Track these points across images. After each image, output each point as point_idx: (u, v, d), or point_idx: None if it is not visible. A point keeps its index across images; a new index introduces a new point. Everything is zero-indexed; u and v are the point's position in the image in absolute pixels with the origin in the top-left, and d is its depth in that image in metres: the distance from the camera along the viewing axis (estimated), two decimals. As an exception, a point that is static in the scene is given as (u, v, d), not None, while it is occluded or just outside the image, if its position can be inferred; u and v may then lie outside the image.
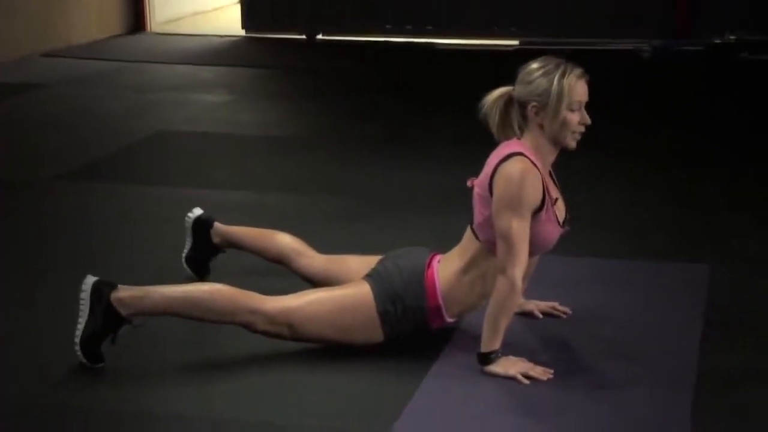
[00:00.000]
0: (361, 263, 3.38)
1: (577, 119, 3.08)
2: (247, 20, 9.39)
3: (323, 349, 3.20)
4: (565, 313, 3.47)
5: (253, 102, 7.04)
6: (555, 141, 3.11)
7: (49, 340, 3.30)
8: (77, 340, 3.09)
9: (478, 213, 3.14)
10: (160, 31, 9.59)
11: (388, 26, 9.01)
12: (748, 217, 4.53)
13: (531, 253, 3.10)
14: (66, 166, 5.32)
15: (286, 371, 3.13)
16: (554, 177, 3.23)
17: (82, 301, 3.10)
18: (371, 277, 3.22)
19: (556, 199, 3.15)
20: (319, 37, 9.18)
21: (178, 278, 3.67)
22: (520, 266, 3.01)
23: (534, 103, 3.06)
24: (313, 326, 3.16)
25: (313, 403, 2.94)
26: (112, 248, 4.16)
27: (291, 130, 6.29)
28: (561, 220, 3.17)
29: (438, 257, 3.24)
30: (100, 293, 3.10)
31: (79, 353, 3.09)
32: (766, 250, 4.12)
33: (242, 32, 9.39)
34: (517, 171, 3.02)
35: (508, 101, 3.14)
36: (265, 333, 3.17)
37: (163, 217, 4.45)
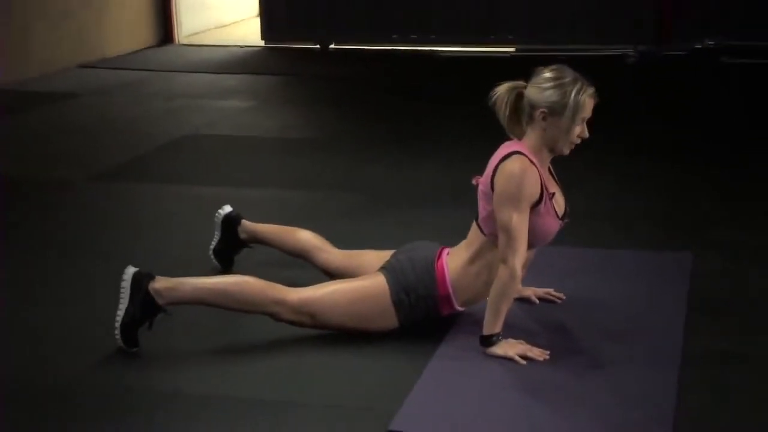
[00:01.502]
0: (376, 257, 3.38)
1: (578, 132, 3.08)
2: (266, 32, 9.40)
3: (337, 335, 3.20)
4: (559, 298, 3.47)
5: (272, 107, 7.04)
6: (552, 147, 3.10)
7: (84, 327, 3.31)
8: (117, 325, 3.10)
9: (482, 208, 3.13)
10: (187, 43, 9.61)
11: (394, 36, 9.02)
12: (730, 208, 4.53)
13: (532, 245, 3.10)
14: (99, 168, 5.32)
15: (303, 355, 3.13)
16: (553, 173, 3.22)
17: (122, 290, 3.11)
18: (386, 269, 3.22)
19: (553, 194, 3.14)
20: (332, 46, 9.18)
21: (205, 270, 3.67)
22: (519, 256, 3.01)
23: (543, 109, 3.04)
24: (333, 315, 3.17)
25: (329, 383, 2.94)
26: (141, 242, 4.16)
27: (307, 132, 6.29)
28: (560, 213, 3.16)
29: (447, 250, 3.24)
30: (140, 283, 3.11)
31: (117, 337, 3.10)
32: (747, 239, 4.10)
33: (261, 43, 9.40)
34: (517, 168, 3.01)
35: (519, 95, 3.11)
36: (289, 322, 3.18)
37: (188, 214, 4.46)
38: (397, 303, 3.16)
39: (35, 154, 5.68)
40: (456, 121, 6.16)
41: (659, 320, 3.33)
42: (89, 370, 3.03)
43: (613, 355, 3.08)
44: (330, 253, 3.56)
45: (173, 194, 4.85)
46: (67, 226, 4.43)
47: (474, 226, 3.20)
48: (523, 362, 3.00)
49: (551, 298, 3.47)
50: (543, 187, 3.06)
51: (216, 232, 3.77)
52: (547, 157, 3.15)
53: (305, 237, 3.63)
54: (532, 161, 3.04)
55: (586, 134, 3.11)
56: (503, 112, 3.13)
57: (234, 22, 10.76)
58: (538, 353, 3.03)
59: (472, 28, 8.82)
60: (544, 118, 3.06)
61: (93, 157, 5.54)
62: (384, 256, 3.33)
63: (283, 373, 3.01)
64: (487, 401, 2.82)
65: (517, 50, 8.62)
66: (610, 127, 5.74)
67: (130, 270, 3.15)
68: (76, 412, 2.80)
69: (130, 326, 3.10)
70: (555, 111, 3.03)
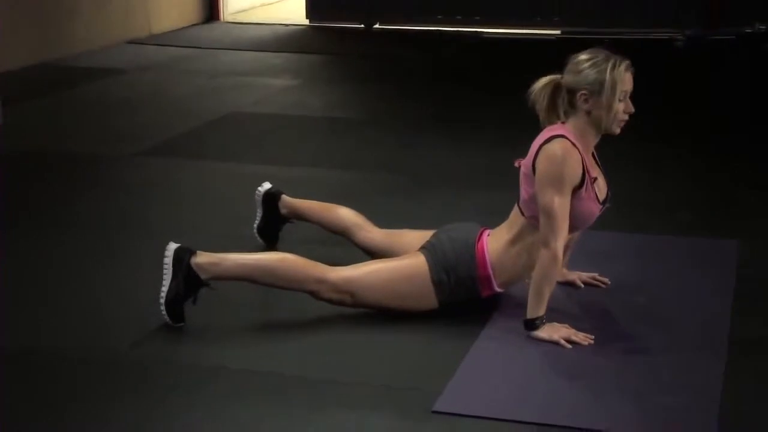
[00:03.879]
0: (416, 237, 3.37)
1: (623, 108, 3.05)
2: (311, 10, 9.40)
3: (378, 315, 3.20)
4: (604, 283, 3.45)
5: (316, 86, 7.04)
6: (600, 126, 3.07)
7: (129, 301, 3.34)
8: (162, 301, 3.11)
9: (524, 191, 3.12)
10: (232, 21, 9.63)
11: (439, 16, 8.98)
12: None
13: (573, 228, 3.07)
14: (146, 143, 5.36)
15: (346, 333, 3.13)
16: (596, 158, 3.19)
17: (165, 266, 3.12)
18: (426, 249, 3.21)
19: (596, 178, 3.11)
20: (376, 26, 9.16)
21: (249, 246, 3.69)
22: (561, 239, 2.99)
23: (583, 92, 3.02)
24: (373, 294, 3.16)
25: (372, 363, 2.94)
26: (187, 217, 4.19)
27: (351, 111, 6.29)
28: (601, 198, 3.13)
29: (487, 231, 3.23)
30: (181, 259, 3.12)
31: (163, 313, 3.12)
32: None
33: (306, 21, 9.40)
34: (559, 151, 3.00)
35: (556, 88, 3.10)
36: (329, 300, 3.18)
37: (233, 190, 4.47)
38: (437, 283, 3.15)
39: (84, 130, 5.73)
40: (498, 104, 6.12)
41: (705, 307, 3.29)
42: (134, 345, 3.05)
43: (658, 341, 3.05)
44: (370, 232, 3.55)
45: (218, 171, 4.87)
46: (115, 201, 4.46)
47: (515, 207, 3.18)
48: (568, 346, 2.98)
49: (596, 282, 3.44)
50: (585, 171, 3.04)
51: (258, 210, 3.77)
52: (593, 140, 3.12)
53: (346, 214, 3.63)
54: (574, 144, 3.03)
55: (632, 109, 3.07)
56: (541, 105, 3.12)
57: (279, 1, 10.76)
58: (582, 338, 3.01)
59: (517, 9, 8.76)
60: (586, 100, 3.03)
61: (139, 133, 5.58)
62: (424, 236, 3.32)
63: (326, 351, 3.02)
64: (530, 384, 2.81)
65: (562, 33, 8.55)
66: (658, 115, 5.70)
67: (172, 246, 3.15)
68: (120, 386, 2.82)
69: (175, 302, 3.11)
70: (594, 90, 3.01)
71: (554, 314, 3.10)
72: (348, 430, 2.58)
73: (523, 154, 3.13)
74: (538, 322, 3.03)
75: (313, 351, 3.02)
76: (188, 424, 2.62)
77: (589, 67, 3.02)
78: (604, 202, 3.15)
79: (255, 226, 3.78)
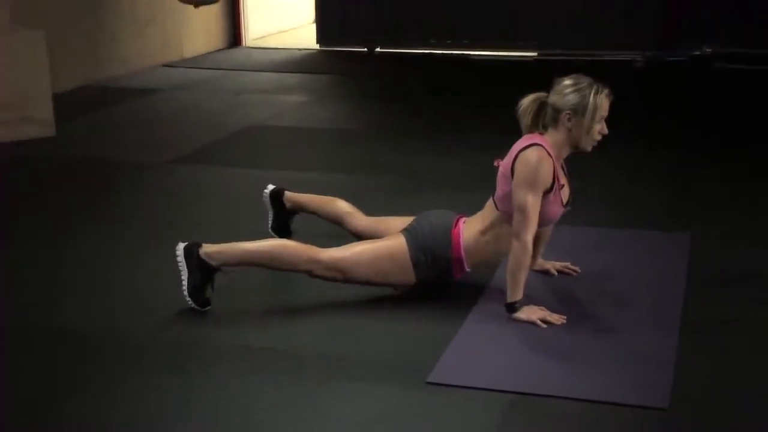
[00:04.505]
0: (398, 223, 3.36)
1: (599, 129, 3.05)
2: (321, 37, 9.37)
3: (378, 301, 3.19)
4: (575, 271, 3.44)
5: (325, 102, 7.02)
6: (576, 144, 3.08)
7: (162, 290, 3.31)
8: (186, 294, 3.10)
9: (500, 188, 3.11)
10: (253, 46, 9.60)
11: (432, 41, 8.96)
12: (726, 195, 4.45)
13: (539, 225, 3.08)
14: (179, 152, 5.34)
15: (351, 317, 3.12)
16: (564, 168, 3.18)
17: (179, 264, 3.11)
18: (407, 231, 3.19)
19: (563, 185, 3.12)
20: (378, 49, 9.14)
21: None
22: (531, 232, 3.00)
23: (567, 112, 3.02)
24: (360, 271, 3.14)
25: (374, 342, 2.93)
26: (214, 216, 4.17)
27: (355, 124, 6.27)
28: (564, 202, 3.14)
29: (463, 219, 3.22)
30: (191, 253, 3.10)
31: (190, 303, 3.10)
32: (741, 222, 4.04)
33: (316, 46, 9.37)
34: (535, 157, 2.99)
35: (541, 104, 3.09)
36: (323, 278, 3.16)
37: (253, 192, 4.44)
38: (416, 262, 3.13)
39: (126, 140, 5.72)
40: (483, 116, 6.11)
41: (661, 291, 3.29)
42: (165, 327, 3.04)
43: (621, 320, 3.05)
44: (360, 220, 3.53)
45: (240, 175, 4.86)
46: (152, 202, 4.45)
47: (490, 201, 3.18)
48: (544, 326, 2.97)
49: (568, 271, 3.43)
50: (555, 178, 3.04)
51: (269, 211, 3.75)
52: (566, 154, 3.13)
53: (340, 205, 3.61)
54: (549, 154, 3.02)
55: (606, 131, 3.08)
56: (526, 119, 3.11)
57: (293, 28, 10.73)
58: (556, 318, 3.00)
59: (499, 34, 8.75)
60: (569, 119, 3.03)
61: (174, 143, 5.56)
62: (405, 221, 3.31)
63: (334, 332, 3.01)
64: (512, 358, 2.80)
65: (539, 54, 8.53)
66: (622, 124, 5.66)
67: (180, 245, 3.13)
68: (153, 364, 2.81)
69: (196, 291, 3.09)
70: (577, 112, 3.01)
71: (531, 298, 3.10)
72: (355, 399, 2.58)
73: (503, 158, 3.12)
74: (517, 305, 3.02)
75: (323, 332, 3.00)
76: (219, 397, 2.61)
77: (574, 91, 3.02)
78: (566, 205, 3.16)
79: (269, 226, 3.76)
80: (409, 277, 3.16)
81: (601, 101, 3.02)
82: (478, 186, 4.34)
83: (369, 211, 3.61)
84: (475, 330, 2.98)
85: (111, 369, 2.77)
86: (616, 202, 4.33)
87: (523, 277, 3.01)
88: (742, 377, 2.69)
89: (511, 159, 3.05)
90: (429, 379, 2.66)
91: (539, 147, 3.02)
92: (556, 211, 3.12)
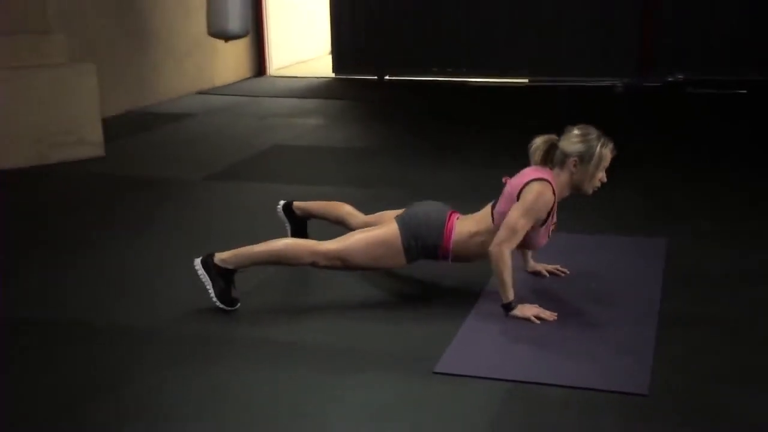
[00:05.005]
0: (393, 215, 3.32)
1: (600, 176, 3.07)
2: (336, 66, 9.40)
3: (388, 299, 3.18)
4: (564, 272, 3.43)
5: (340, 124, 7.03)
6: (578, 187, 3.08)
7: (196, 291, 3.31)
8: (215, 301, 3.09)
9: (502, 205, 3.08)
10: (276, 75, 9.63)
11: (434, 69, 8.97)
12: (698, 204, 4.43)
13: (523, 246, 3.10)
14: (210, 170, 5.36)
15: (362, 313, 3.12)
16: (558, 207, 3.15)
17: (201, 276, 3.10)
18: (400, 218, 3.17)
19: (555, 222, 3.13)
20: (387, 77, 9.16)
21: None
22: (510, 248, 2.99)
23: (575, 158, 3.02)
24: (357, 258, 3.12)
25: (384, 335, 2.93)
26: (243, 227, 4.17)
27: (366, 143, 6.27)
28: (550, 234, 3.15)
29: (456, 215, 3.19)
30: (207, 264, 3.10)
31: (221, 306, 3.09)
32: (711, 228, 4.03)
33: (332, 75, 9.40)
34: (541, 190, 2.99)
35: (552, 146, 3.09)
36: (326, 267, 3.14)
37: (276, 204, 4.45)
38: (407, 247, 3.11)
39: (166, 159, 5.74)
40: (480, 137, 6.10)
41: (641, 289, 3.28)
42: (192, 325, 3.03)
43: (605, 316, 3.04)
44: (359, 217, 3.50)
45: (265, 189, 4.86)
46: (187, 213, 4.47)
47: (487, 210, 3.14)
48: (537, 321, 2.97)
49: (558, 272, 3.42)
50: (550, 214, 3.04)
51: (286, 224, 3.73)
52: (567, 194, 3.11)
53: (344, 209, 3.57)
54: (554, 192, 3.01)
55: (605, 179, 3.09)
56: (536, 155, 3.10)
57: (312, 59, 10.77)
58: (548, 315, 3.00)
59: (494, 63, 8.76)
60: (575, 165, 3.03)
61: (206, 161, 5.58)
62: (398, 213, 3.29)
63: (347, 326, 3.01)
64: (510, 351, 2.80)
65: (529, 81, 8.53)
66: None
67: (196, 260, 3.13)
68: (180, 356, 2.81)
69: (223, 294, 3.09)
70: (584, 159, 3.01)
71: (526, 297, 3.09)
72: (367, 387, 2.58)
73: (498, 174, 3.11)
74: (512, 304, 3.01)
75: (337, 328, 3.00)
76: (246, 383, 2.61)
77: (582, 141, 3.03)
78: (549, 237, 3.16)
79: (288, 236, 3.75)
80: (400, 261, 3.14)
81: (605, 153, 3.03)
82: (470, 197, 4.35)
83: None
84: (476, 326, 2.98)
85: (148, 360, 2.77)
86: (600, 211, 4.32)
87: (508, 278, 2.99)
88: (715, 367, 2.67)
89: (521, 185, 3.02)
90: (436, 369, 2.66)
91: (548, 184, 3.00)
92: (542, 241, 3.13)
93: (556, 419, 2.39)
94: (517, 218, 2.97)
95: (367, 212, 3.62)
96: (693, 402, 2.47)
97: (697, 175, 5.04)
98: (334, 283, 3.20)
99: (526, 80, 8.61)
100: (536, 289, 3.28)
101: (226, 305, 3.09)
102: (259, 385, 2.60)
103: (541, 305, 3.05)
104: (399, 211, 3.30)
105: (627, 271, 3.48)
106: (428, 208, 3.19)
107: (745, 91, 7.71)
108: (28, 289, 3.40)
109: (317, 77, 9.46)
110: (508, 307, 3.01)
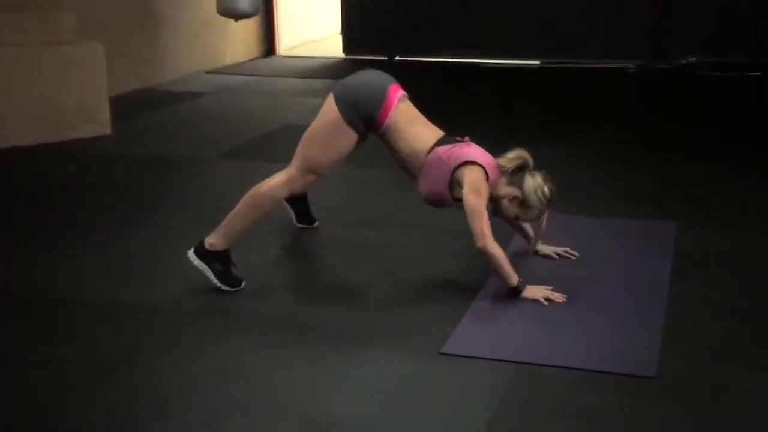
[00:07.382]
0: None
1: (517, 213, 3.14)
2: (346, 46, 9.36)
3: (397, 283, 3.18)
4: (574, 255, 3.42)
5: (350, 104, 7.00)
6: (499, 205, 3.14)
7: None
8: (218, 285, 3.08)
9: (438, 159, 3.15)
10: (285, 55, 9.60)
11: (445, 50, 8.92)
12: (709, 187, 4.41)
13: (508, 221, 3.21)
14: (219, 149, 5.36)
15: (371, 295, 3.12)
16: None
17: (198, 266, 3.10)
18: (338, 97, 3.10)
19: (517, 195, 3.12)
20: (397, 58, 9.12)
21: (293, 228, 3.70)
22: (488, 232, 2.96)
23: (522, 199, 3.07)
24: (319, 157, 3.10)
25: (392, 318, 2.94)
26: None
27: (377, 124, 6.24)
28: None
29: (400, 92, 3.18)
30: (199, 251, 3.10)
31: (225, 288, 3.09)
32: (721, 212, 4.00)
33: (342, 55, 9.37)
34: (478, 176, 3.04)
35: (524, 165, 3.09)
36: (304, 187, 3.13)
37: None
38: (350, 123, 3.08)
39: (175, 138, 5.74)
40: (490, 118, 6.07)
41: (650, 272, 3.27)
42: (203, 304, 3.05)
43: (614, 298, 3.04)
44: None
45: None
46: (198, 192, 4.47)
47: (432, 136, 3.23)
48: (547, 303, 2.97)
49: (567, 255, 3.42)
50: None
51: (288, 210, 3.73)
52: (500, 192, 3.11)
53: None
54: (488, 177, 3.03)
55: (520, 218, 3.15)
56: (511, 165, 3.10)
57: (322, 39, 10.72)
58: (558, 296, 3.00)
59: (507, 44, 8.70)
60: (517, 201, 3.07)
61: (215, 141, 5.58)
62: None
63: (358, 309, 3.01)
64: (517, 332, 2.80)
65: (541, 63, 8.48)
66: (612, 124, 5.64)
67: (189, 252, 3.12)
68: (193, 335, 2.83)
69: (223, 276, 3.09)
70: (525, 207, 3.07)
71: (535, 279, 3.09)
72: (377, 367, 2.59)
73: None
74: (519, 287, 3.00)
75: (347, 310, 3.01)
76: (252, 362, 2.63)
77: (540, 200, 3.06)
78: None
79: (294, 222, 3.75)
80: (352, 136, 3.08)
81: (541, 214, 3.08)
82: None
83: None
84: (484, 307, 2.98)
85: (151, 339, 2.78)
86: (611, 193, 4.30)
87: (507, 267, 2.97)
88: (724, 350, 2.67)
89: (460, 160, 3.06)
90: (443, 350, 2.66)
91: (482, 169, 3.03)
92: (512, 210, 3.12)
93: (563, 401, 2.39)
94: (474, 202, 2.96)
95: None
96: (701, 384, 2.47)
97: (709, 157, 5.01)
98: (341, 264, 3.20)
99: (537, 62, 8.55)
100: (545, 271, 3.28)
101: (231, 286, 3.10)
102: (264, 364, 2.61)
103: (550, 287, 3.05)
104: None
105: (637, 253, 3.47)
106: (366, 77, 3.14)
107: (759, 74, 7.64)
108: (32, 268, 3.42)
109: (327, 57, 9.42)
110: (516, 290, 3.01)
